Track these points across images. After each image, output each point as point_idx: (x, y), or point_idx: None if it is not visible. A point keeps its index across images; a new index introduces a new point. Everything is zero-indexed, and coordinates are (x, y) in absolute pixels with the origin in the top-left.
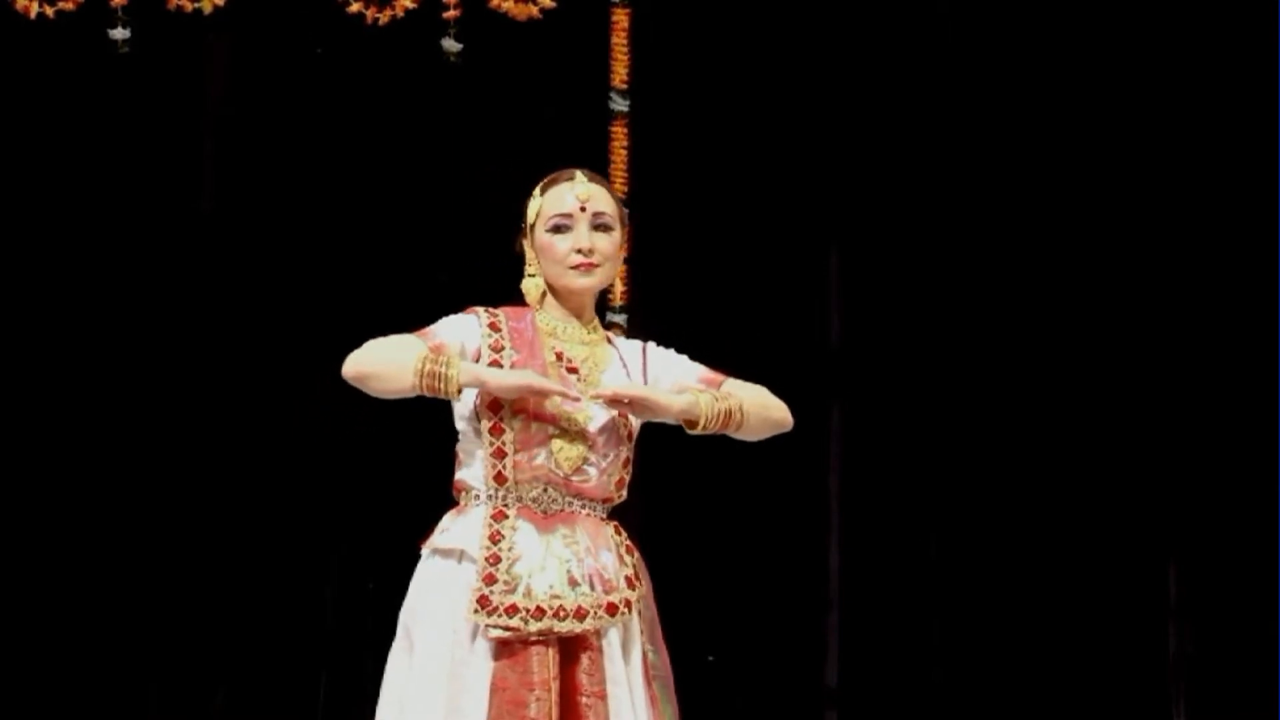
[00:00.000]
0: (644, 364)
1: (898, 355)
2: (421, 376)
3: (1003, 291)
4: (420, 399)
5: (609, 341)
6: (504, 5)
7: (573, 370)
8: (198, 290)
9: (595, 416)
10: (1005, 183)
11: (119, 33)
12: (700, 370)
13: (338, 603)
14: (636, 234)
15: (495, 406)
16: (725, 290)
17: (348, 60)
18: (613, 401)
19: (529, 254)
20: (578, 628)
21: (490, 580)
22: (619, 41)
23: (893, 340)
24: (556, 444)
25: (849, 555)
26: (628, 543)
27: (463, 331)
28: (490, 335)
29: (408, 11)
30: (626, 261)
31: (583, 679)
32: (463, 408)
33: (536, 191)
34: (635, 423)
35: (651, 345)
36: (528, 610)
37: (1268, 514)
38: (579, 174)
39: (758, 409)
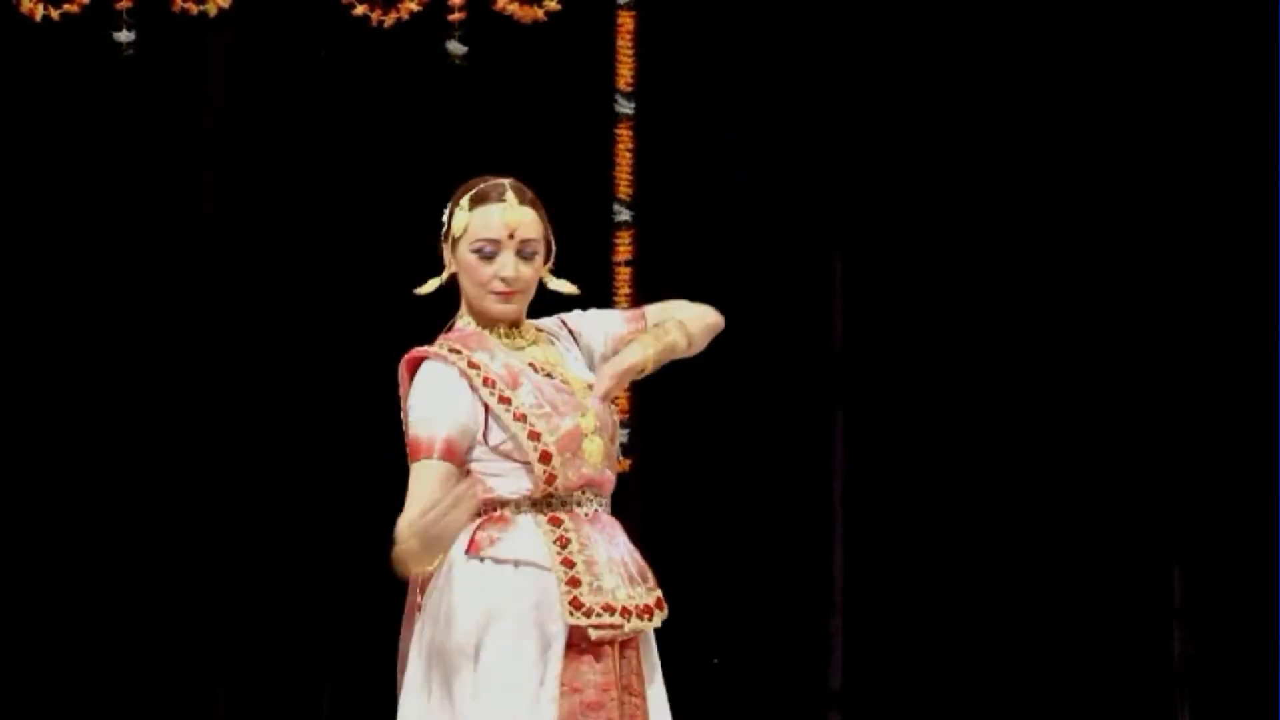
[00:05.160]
0: (575, 338)
1: (901, 359)
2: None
3: (1006, 295)
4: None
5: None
6: (509, 8)
7: (548, 375)
8: (200, 293)
9: (597, 407)
10: (1008, 187)
11: (124, 35)
12: (622, 314)
13: (338, 604)
14: (639, 237)
15: (522, 415)
16: (729, 294)
17: (352, 63)
18: (606, 397)
19: (447, 257)
20: (653, 624)
21: (575, 583)
22: (624, 44)
23: (896, 344)
24: (586, 442)
25: (853, 558)
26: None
27: (455, 406)
28: (478, 377)
29: (412, 14)
30: (629, 264)
31: (631, 679)
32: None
33: (465, 203)
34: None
35: (568, 316)
36: (614, 610)
37: (1270, 517)
38: (509, 193)
39: (696, 322)
